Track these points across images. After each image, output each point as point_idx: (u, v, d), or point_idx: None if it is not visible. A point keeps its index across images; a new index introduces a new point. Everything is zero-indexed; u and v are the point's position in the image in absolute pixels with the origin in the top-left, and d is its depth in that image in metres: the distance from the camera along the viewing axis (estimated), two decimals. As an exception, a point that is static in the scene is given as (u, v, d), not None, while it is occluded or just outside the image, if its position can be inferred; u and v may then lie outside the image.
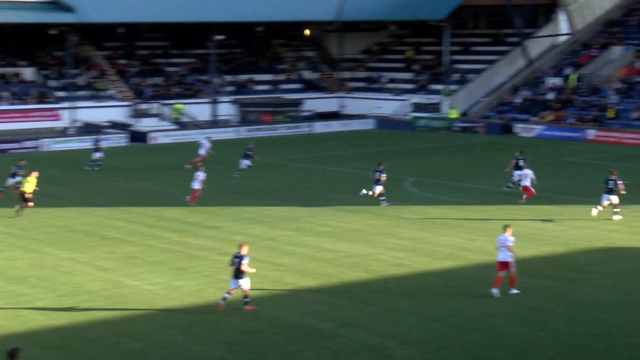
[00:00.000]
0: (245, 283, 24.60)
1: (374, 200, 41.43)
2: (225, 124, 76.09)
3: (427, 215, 37.93)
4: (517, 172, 42.60)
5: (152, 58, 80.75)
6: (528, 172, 40.92)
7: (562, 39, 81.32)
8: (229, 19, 77.38)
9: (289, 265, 29.68)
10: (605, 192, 36.72)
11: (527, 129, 69.04)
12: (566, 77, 72.48)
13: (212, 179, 47.79)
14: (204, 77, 79.75)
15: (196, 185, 41.25)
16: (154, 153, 62.20)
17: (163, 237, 34.37)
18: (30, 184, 38.52)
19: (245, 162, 50.71)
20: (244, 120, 77.15)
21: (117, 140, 67.23)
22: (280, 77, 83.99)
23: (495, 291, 25.66)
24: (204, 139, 56.36)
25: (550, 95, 71.45)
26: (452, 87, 78.14)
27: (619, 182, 36.97)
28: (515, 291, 25.91)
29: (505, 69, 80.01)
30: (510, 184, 43.01)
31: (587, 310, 24.34)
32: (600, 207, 36.46)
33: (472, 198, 41.92)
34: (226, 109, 77.71)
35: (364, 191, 40.05)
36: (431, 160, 56.15)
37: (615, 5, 79.15)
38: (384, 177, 39.98)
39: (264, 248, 32.30)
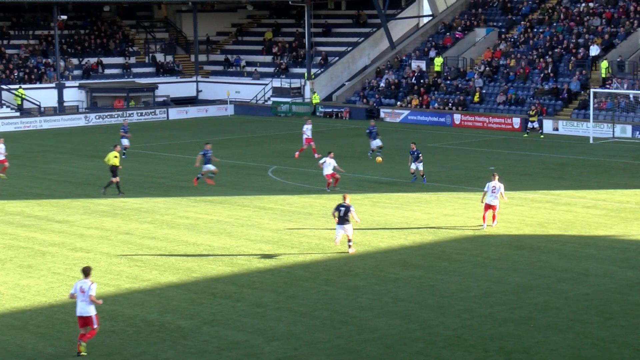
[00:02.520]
0: (349, 229, 29.76)
1: (235, 191, 41.49)
2: (73, 110, 74.59)
3: (292, 205, 38.16)
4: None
5: (-10, 39, 78.38)
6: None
7: (425, 20, 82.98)
8: (72, -3, 75.85)
9: (146, 261, 29.38)
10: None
11: (393, 114, 70.22)
12: (431, 60, 74.00)
13: (62, 170, 46.89)
14: (47, 60, 77.90)
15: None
16: (-5, 142, 60.45)
17: (8, 232, 33.51)
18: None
19: (125, 141, 51.62)
20: (94, 107, 75.78)
21: (-47, 128, 65.15)
22: (132, 60, 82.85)
23: (484, 225, 33.19)
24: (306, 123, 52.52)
25: (415, 79, 72.80)
26: (315, 70, 78.72)
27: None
28: (494, 223, 33.34)
29: (368, 52, 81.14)
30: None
31: (457, 300, 24.96)
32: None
33: (338, 186, 42.27)
34: (73, 95, 76.19)
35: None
36: (294, 147, 56.40)
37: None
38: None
39: (119, 242, 31.89)
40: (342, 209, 29.90)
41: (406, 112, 69.81)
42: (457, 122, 66.60)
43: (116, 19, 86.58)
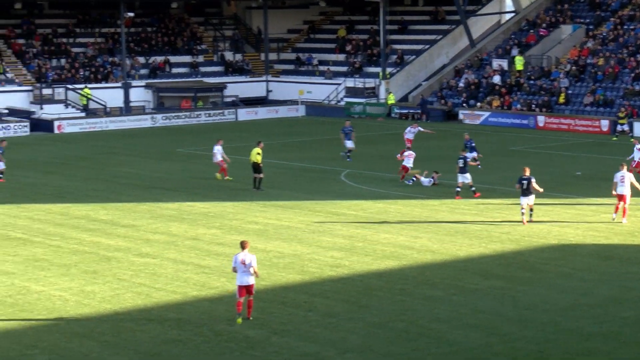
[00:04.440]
0: (532, 199, 34.95)
1: (307, 195, 41.63)
2: (139, 111, 75.52)
3: (366, 211, 38.15)
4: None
5: (55, 37, 79.70)
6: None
7: (508, 17, 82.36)
8: (140, -7, 76.86)
9: (214, 267, 29.60)
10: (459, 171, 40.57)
11: (472, 116, 69.81)
12: (512, 59, 73.44)
13: (128, 172, 47.44)
14: (114, 59, 79.02)
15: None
16: (60, 143, 61.52)
17: (72, 237, 34.03)
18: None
19: (349, 144, 51.47)
20: (161, 107, 76.64)
21: (18, 129, 66.42)
22: (200, 58, 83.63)
23: (614, 215, 35.21)
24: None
25: (496, 79, 72.33)
26: (390, 69, 78.59)
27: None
28: (625, 221, 34.79)
29: (447, 50, 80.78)
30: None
31: (540, 313, 24.73)
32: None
33: (414, 191, 42.27)
34: (140, 95, 77.13)
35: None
36: (368, 150, 56.37)
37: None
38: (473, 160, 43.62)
39: (187, 248, 32.19)
40: (524, 181, 34.68)
41: (487, 113, 69.34)
42: (541, 125, 65.95)
43: (184, 16, 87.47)
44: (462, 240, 32.84)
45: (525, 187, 34.79)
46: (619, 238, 32.95)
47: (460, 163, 40.59)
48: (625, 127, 60.39)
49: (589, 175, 45.09)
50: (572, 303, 25.54)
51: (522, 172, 35.39)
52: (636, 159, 44.63)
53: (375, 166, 49.93)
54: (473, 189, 40.66)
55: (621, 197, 34.88)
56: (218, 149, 46.13)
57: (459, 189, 40.55)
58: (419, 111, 72.50)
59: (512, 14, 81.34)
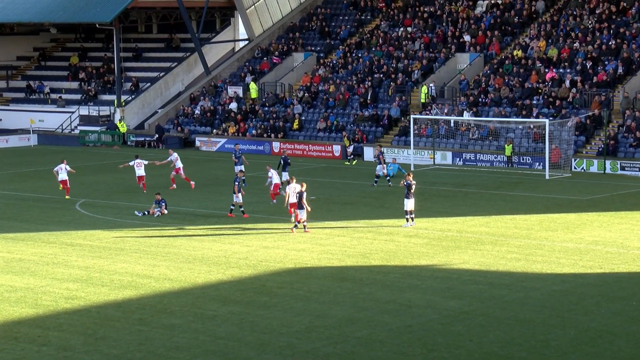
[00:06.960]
0: (302, 213, 38.30)
1: (40, 226, 40.47)
2: None
3: (102, 241, 37.56)
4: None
5: None
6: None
7: (242, 44, 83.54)
8: None
9: (-59, 305, 28.27)
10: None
11: (209, 143, 70.17)
12: (247, 86, 74.50)
13: None
14: None
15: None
16: None
17: None
18: None
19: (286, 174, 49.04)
20: None
21: None
22: None
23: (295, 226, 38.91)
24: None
25: (233, 106, 73.10)
26: (125, 97, 77.92)
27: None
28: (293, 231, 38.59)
29: (182, 77, 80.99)
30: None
31: (278, 337, 25.09)
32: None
33: (150, 220, 42.00)
34: None
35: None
36: (104, 178, 55.66)
37: (294, 10, 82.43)
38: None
39: None
40: (297, 195, 38.62)
41: (223, 140, 69.91)
42: (276, 150, 67.15)
43: None
44: (200, 267, 32.90)
45: (297, 199, 38.67)
46: (351, 260, 33.95)
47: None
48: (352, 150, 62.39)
49: (323, 200, 46.24)
50: (308, 325, 26.07)
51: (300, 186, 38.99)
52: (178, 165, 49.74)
53: (111, 195, 49.27)
54: (233, 209, 42.33)
55: (294, 205, 39.22)
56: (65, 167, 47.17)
57: (232, 207, 42.31)
58: (154, 138, 72.28)
59: (246, 42, 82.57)
